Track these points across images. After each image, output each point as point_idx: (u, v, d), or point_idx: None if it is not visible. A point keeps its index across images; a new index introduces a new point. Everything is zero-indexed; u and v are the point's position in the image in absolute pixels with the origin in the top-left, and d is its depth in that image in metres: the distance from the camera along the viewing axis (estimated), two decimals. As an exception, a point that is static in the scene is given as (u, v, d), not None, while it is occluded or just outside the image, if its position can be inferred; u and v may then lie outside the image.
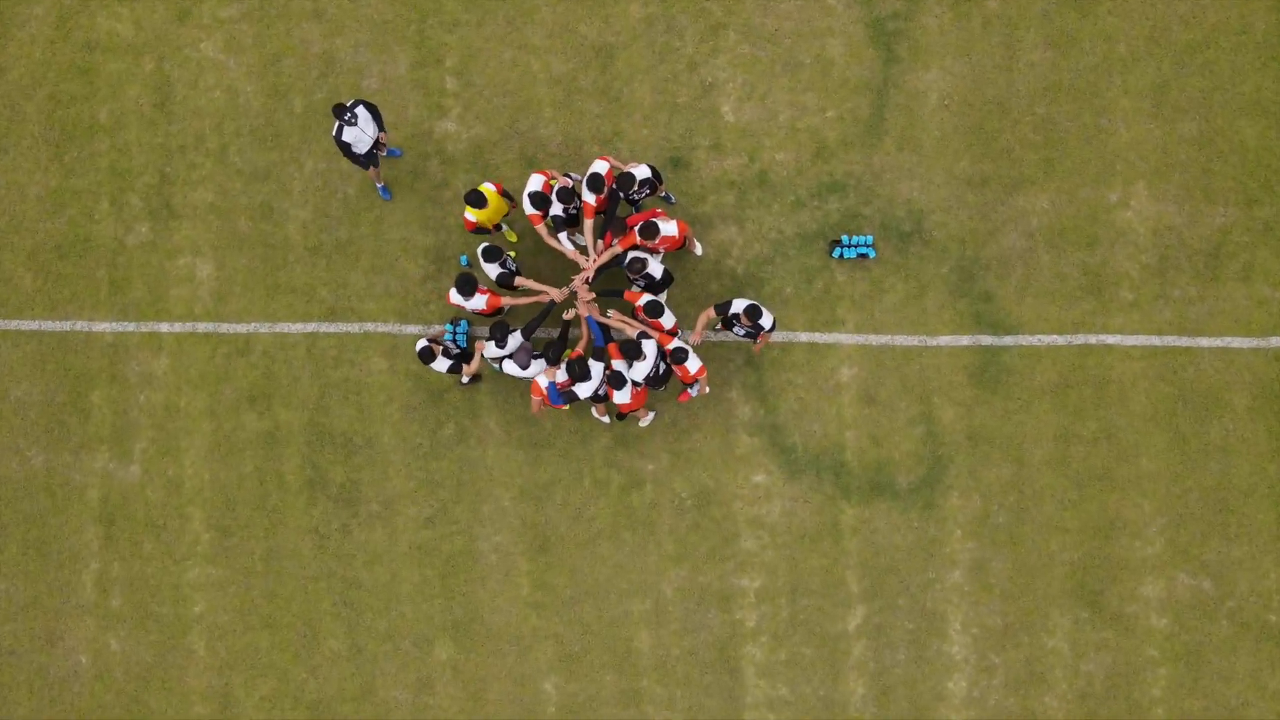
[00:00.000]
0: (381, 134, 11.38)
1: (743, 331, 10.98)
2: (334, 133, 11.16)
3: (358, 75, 12.47)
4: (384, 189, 12.27)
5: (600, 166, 10.86)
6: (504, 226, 11.73)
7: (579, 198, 11.00)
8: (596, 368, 10.80)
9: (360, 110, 11.13)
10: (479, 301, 10.95)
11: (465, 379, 11.88)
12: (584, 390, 10.75)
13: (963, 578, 11.95)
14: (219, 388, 12.37)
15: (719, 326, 11.20)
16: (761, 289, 12.15)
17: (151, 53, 12.59)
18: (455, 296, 10.89)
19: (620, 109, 12.34)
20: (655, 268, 10.93)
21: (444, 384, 12.23)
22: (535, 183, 10.90)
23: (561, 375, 10.81)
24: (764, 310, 10.75)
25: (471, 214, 11.03)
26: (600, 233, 11.12)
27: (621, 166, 11.11)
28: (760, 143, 12.25)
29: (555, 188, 10.89)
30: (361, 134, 11.22)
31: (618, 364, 10.83)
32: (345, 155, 11.39)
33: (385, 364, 12.30)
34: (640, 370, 10.69)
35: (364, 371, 12.30)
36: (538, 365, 10.92)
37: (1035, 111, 12.17)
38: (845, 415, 12.06)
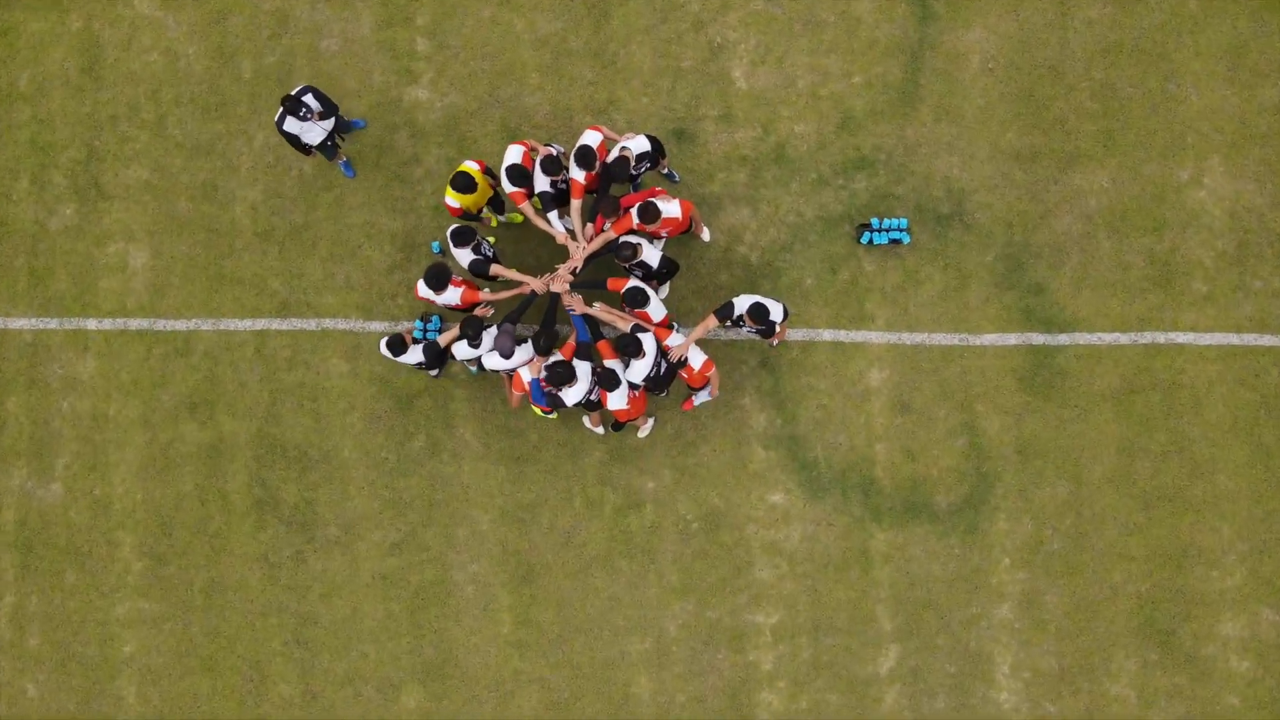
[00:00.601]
0: (339, 120, 10.00)
1: (754, 331, 9.40)
2: (275, 120, 9.66)
3: (315, 35, 10.88)
4: (346, 165, 10.69)
5: (591, 138, 9.29)
6: (486, 210, 10.17)
7: (566, 170, 9.41)
8: (584, 369, 9.20)
9: (310, 100, 9.68)
10: (452, 295, 9.37)
11: (436, 372, 10.30)
12: (571, 396, 9.15)
13: (1012, 613, 10.34)
14: (154, 393, 10.76)
15: (725, 327, 9.60)
16: (778, 280, 10.56)
17: (79, 10, 11.00)
18: (424, 289, 9.32)
19: (616, 74, 10.76)
20: (651, 254, 9.33)
21: (413, 389, 10.63)
22: (514, 154, 9.31)
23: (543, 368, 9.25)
24: (769, 304, 9.15)
25: (455, 198, 9.46)
26: (591, 215, 9.50)
27: (616, 138, 9.51)
28: (776, 112, 10.67)
29: (538, 159, 9.29)
30: (314, 126, 9.69)
31: (611, 363, 9.23)
32: (291, 145, 9.89)
33: (346, 366, 10.69)
34: (639, 370, 9.09)
35: (321, 375, 10.69)
36: (524, 353, 9.31)
37: (1093, 76, 10.60)
38: (875, 425, 10.46)
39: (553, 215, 9.55)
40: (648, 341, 9.04)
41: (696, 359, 9.17)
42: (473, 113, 10.80)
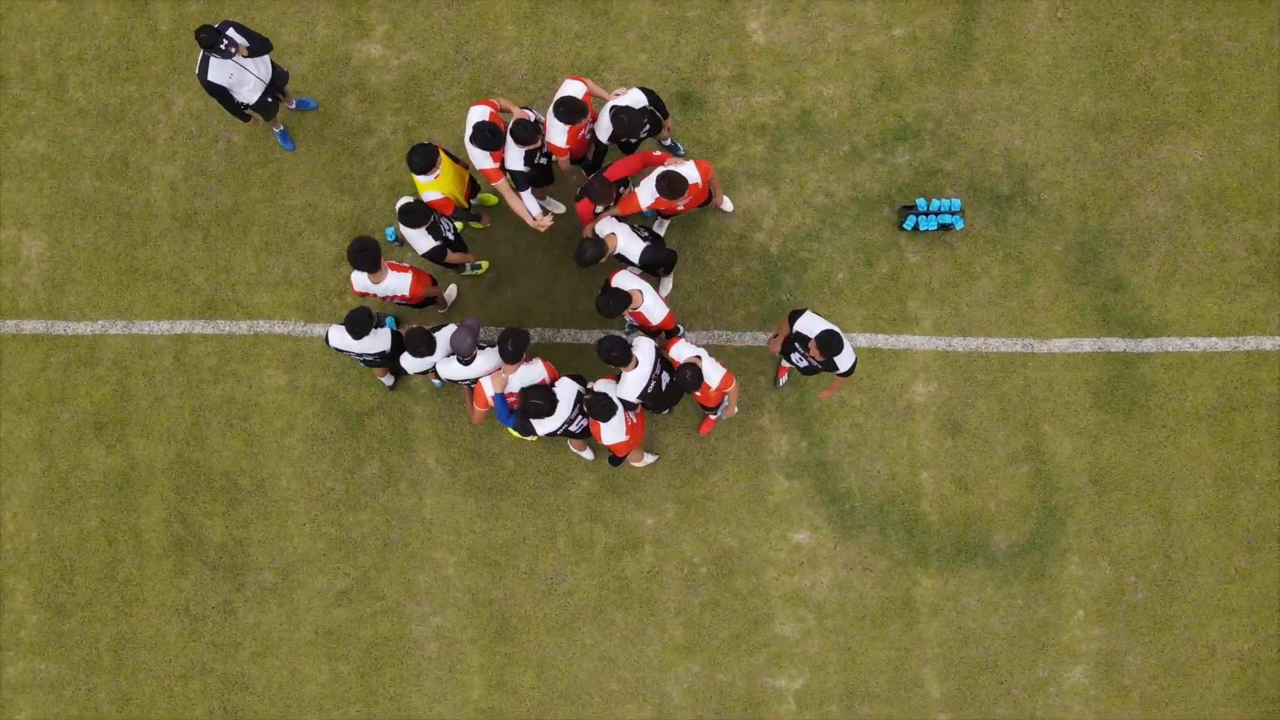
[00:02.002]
0: (277, 70, 8.02)
1: (804, 364, 7.52)
2: (197, 70, 7.74)
3: (246, -21, 9.05)
4: (283, 135, 8.87)
5: (574, 88, 7.43)
6: (476, 201, 8.40)
7: (544, 137, 7.56)
8: (566, 391, 7.38)
9: (235, 35, 7.69)
10: (398, 282, 7.53)
11: (392, 382, 8.52)
12: (545, 426, 7.32)
13: (1087, 677, 8.57)
14: (52, 410, 8.95)
15: (771, 337, 7.72)
16: (804, 274, 8.75)
17: (-39, -52, 9.17)
18: (358, 280, 7.49)
19: (608, 25, 8.93)
20: (631, 244, 7.50)
21: (365, 406, 8.83)
22: (479, 113, 7.41)
23: (516, 382, 7.39)
24: (846, 345, 7.12)
25: (429, 189, 7.47)
26: (579, 194, 7.63)
27: (604, 94, 7.65)
28: (801, 72, 8.85)
29: (510, 123, 7.42)
30: (243, 72, 7.78)
31: (603, 385, 7.40)
32: (221, 102, 7.97)
33: (284, 378, 8.88)
34: (631, 385, 7.26)
35: (254, 389, 8.88)
36: (487, 360, 7.46)
37: (1184, 27, 8.78)
38: (920, 449, 8.67)
39: (527, 195, 7.73)
40: (642, 349, 7.21)
41: (715, 374, 7.30)
42: (435, 73, 8.97)
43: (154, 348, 8.97)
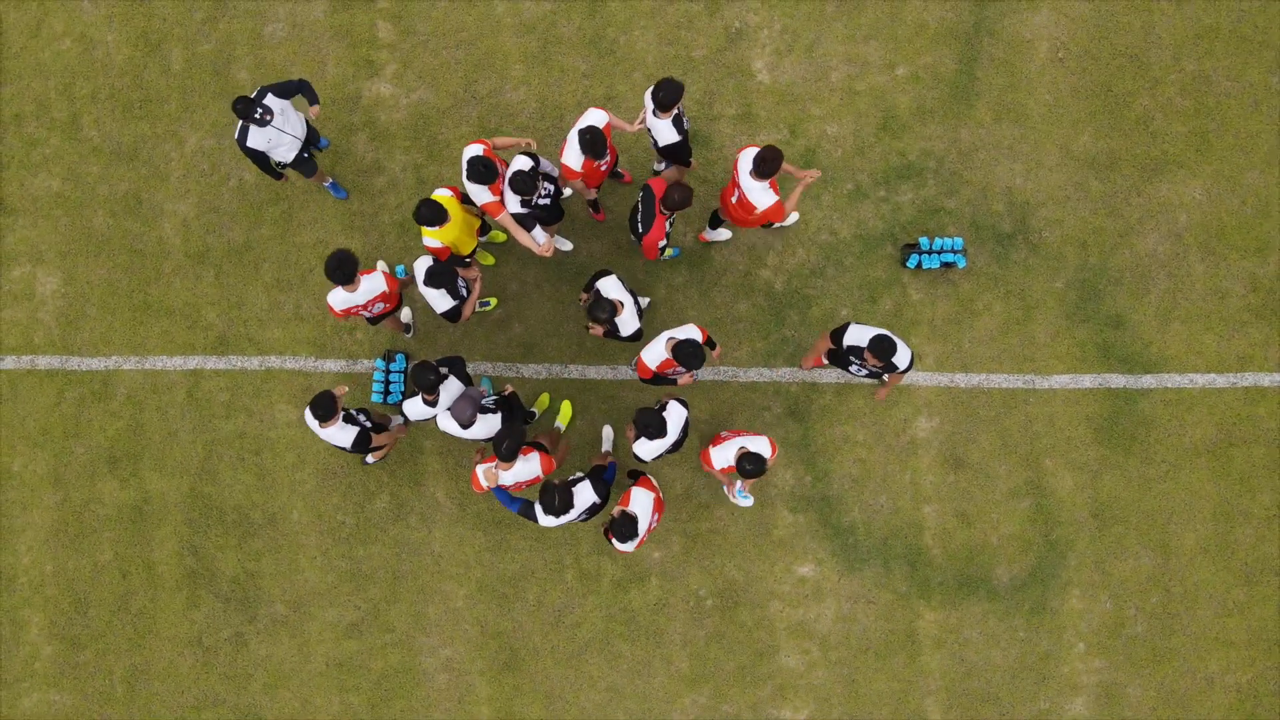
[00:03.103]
0: (315, 109, 8.07)
1: (865, 372, 7.65)
2: (236, 137, 7.82)
3: (258, 19, 9.16)
4: (334, 185, 8.95)
5: (596, 118, 7.49)
6: (480, 248, 8.49)
7: (547, 182, 7.64)
8: (582, 500, 7.39)
9: (272, 100, 7.74)
10: (374, 284, 7.56)
11: (370, 459, 8.59)
12: (548, 521, 7.32)
13: (1088, 709, 8.69)
14: (67, 445, 9.07)
15: (811, 367, 7.81)
16: (809, 310, 8.87)
17: (-23, -11, 9.28)
18: (335, 297, 7.48)
19: (615, 65, 9.05)
20: (629, 319, 7.52)
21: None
22: (472, 150, 7.44)
23: (512, 475, 7.34)
24: (899, 343, 7.19)
25: (431, 236, 7.53)
26: (647, 216, 7.59)
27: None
28: (806, 111, 8.97)
29: (509, 172, 7.49)
30: (280, 134, 7.86)
31: (637, 500, 7.38)
32: (258, 165, 8.06)
33: (295, 413, 9.00)
34: (651, 449, 7.36)
35: (265, 423, 9.00)
36: (487, 424, 7.53)
37: (1183, 67, 8.90)
38: (923, 484, 8.79)
39: (536, 230, 7.81)
40: (674, 415, 7.31)
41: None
42: (445, 111, 9.09)
43: (167, 383, 9.08)
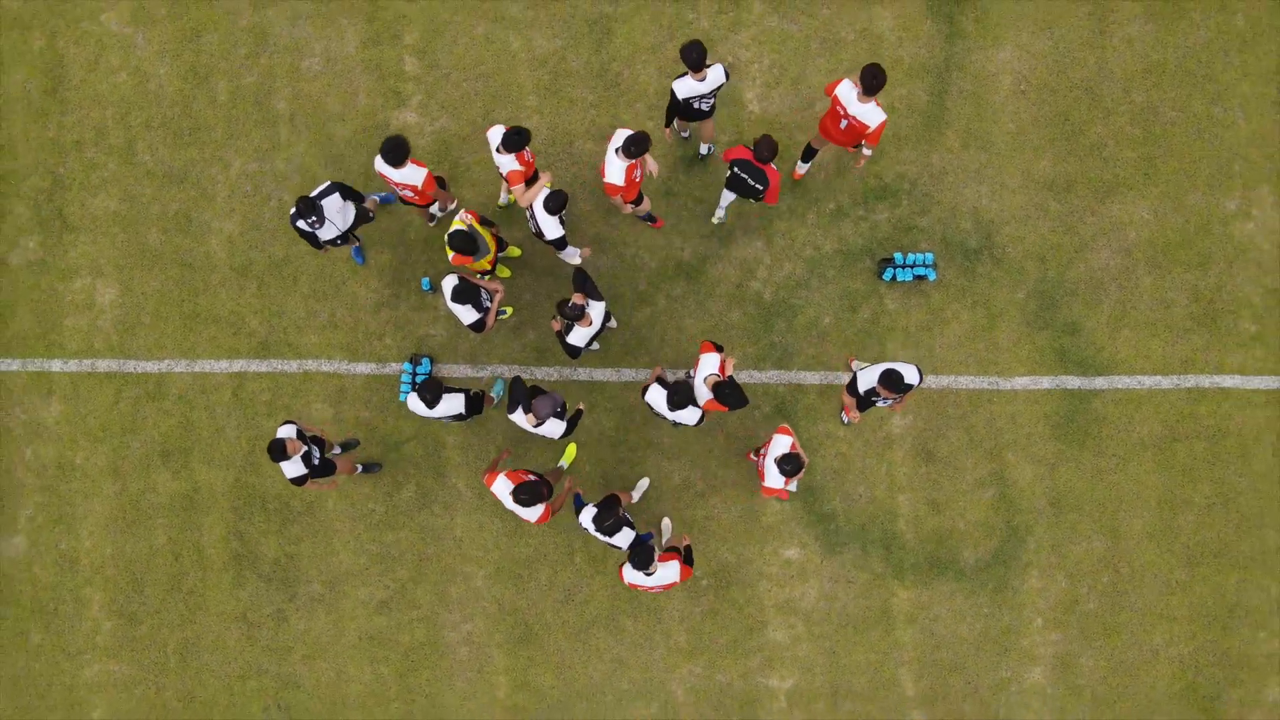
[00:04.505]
0: (370, 200, 9.12)
1: (889, 402, 8.43)
2: (290, 218, 8.66)
3: (295, 54, 10.11)
4: (357, 251, 9.91)
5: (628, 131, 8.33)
6: (500, 264, 9.48)
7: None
8: (622, 540, 8.36)
9: (329, 206, 8.58)
10: (414, 174, 8.43)
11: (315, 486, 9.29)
12: (585, 518, 8.34)
13: (1045, 677, 9.65)
14: (124, 440, 10.03)
15: (852, 418, 8.84)
16: (794, 318, 9.82)
17: (41, 26, 10.21)
18: (380, 164, 8.42)
19: (619, 96, 9.99)
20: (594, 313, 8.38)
21: (402, 435, 9.90)
22: (496, 135, 8.48)
23: (536, 510, 8.19)
24: (903, 371, 8.03)
25: (466, 263, 8.70)
26: (743, 180, 8.50)
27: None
28: (792, 138, 9.91)
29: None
30: (329, 225, 8.73)
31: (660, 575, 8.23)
32: (308, 242, 8.93)
33: (329, 411, 9.96)
34: (690, 415, 8.29)
35: (303, 420, 9.95)
36: (554, 426, 8.37)
37: (1133, 99, 9.84)
38: (898, 475, 9.74)
39: (569, 250, 8.81)
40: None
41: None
42: (465, 137, 10.04)
43: (214, 384, 10.04)
